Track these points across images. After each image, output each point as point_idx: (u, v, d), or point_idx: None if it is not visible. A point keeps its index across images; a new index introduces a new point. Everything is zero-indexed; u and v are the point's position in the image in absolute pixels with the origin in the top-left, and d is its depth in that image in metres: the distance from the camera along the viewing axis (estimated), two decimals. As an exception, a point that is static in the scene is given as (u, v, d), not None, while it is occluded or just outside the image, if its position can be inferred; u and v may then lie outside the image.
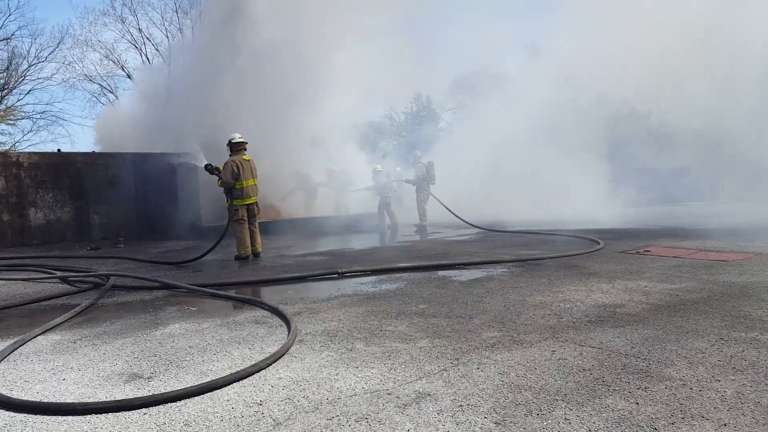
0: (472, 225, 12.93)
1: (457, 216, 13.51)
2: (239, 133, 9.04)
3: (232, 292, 5.93)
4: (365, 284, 6.16)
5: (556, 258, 7.60)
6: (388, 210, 14.62)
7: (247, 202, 8.78)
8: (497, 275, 6.45)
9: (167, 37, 31.08)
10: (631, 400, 2.70)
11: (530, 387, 2.91)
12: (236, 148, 8.85)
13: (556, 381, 2.99)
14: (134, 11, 30.62)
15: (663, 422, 2.46)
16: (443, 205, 13.80)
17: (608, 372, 3.10)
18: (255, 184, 8.87)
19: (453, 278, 6.37)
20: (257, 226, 9.04)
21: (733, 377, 2.97)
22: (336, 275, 6.70)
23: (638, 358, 3.33)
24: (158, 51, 30.78)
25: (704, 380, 2.94)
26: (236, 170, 8.57)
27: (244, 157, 8.77)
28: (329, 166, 14.87)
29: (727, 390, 2.80)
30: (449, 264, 7.40)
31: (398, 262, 7.83)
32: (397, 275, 6.68)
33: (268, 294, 6.02)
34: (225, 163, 8.71)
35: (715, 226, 11.56)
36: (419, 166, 13.93)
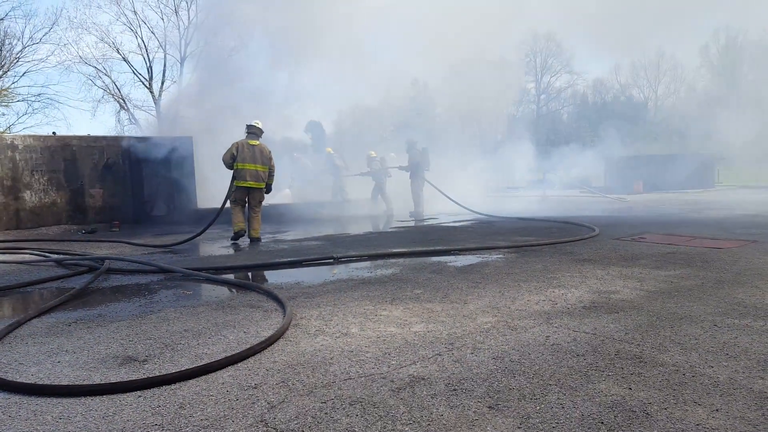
0: (469, 209, 12.94)
1: (453, 200, 13.52)
2: (258, 120, 9.25)
3: (228, 277, 5.93)
4: (361, 269, 6.16)
5: (551, 244, 7.62)
6: (384, 196, 14.61)
7: (243, 185, 8.84)
8: (492, 261, 6.46)
9: (162, 19, 30.71)
10: (624, 386, 2.72)
11: (524, 372, 2.93)
12: (246, 131, 9.08)
13: (549, 366, 3.00)
14: (129, -7, 30.11)
15: (656, 407, 2.48)
16: (439, 191, 13.80)
17: (602, 357, 3.12)
18: (256, 170, 8.87)
19: (448, 264, 6.37)
20: (258, 212, 9.07)
21: (726, 363, 2.99)
22: (331, 260, 6.70)
23: (632, 343, 3.35)
24: (153, 34, 30.44)
25: (697, 366, 2.96)
26: (234, 152, 8.79)
27: (251, 141, 8.91)
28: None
29: (720, 376, 2.82)
30: (444, 249, 7.40)
31: (393, 247, 7.83)
32: (393, 260, 6.69)
33: (264, 278, 6.02)
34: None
35: (709, 214, 11.61)
36: (413, 151, 13.88)
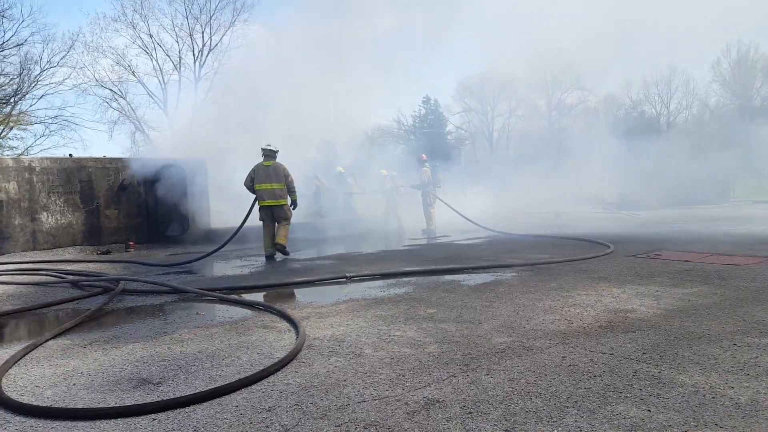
0: (481, 226, 12.87)
1: (465, 217, 13.48)
2: (270, 142, 9.58)
3: (241, 297, 5.94)
4: (373, 288, 6.14)
5: (565, 262, 7.55)
6: (396, 213, 14.63)
7: (263, 204, 9.31)
8: (506, 279, 6.41)
9: (177, 42, 31.28)
10: (643, 407, 2.67)
11: (540, 394, 2.89)
12: (261, 154, 9.47)
13: (566, 387, 2.96)
14: (145, 17, 30.76)
15: (676, 430, 2.43)
16: (451, 207, 13.79)
17: (619, 378, 3.07)
18: (272, 188, 9.26)
19: (461, 282, 6.34)
20: (283, 225, 9.41)
21: (747, 384, 2.93)
22: (344, 279, 6.69)
23: (650, 364, 3.30)
24: (168, 56, 30.99)
25: (717, 387, 2.90)
26: (252, 175, 9.32)
27: (265, 163, 9.34)
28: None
29: (741, 397, 2.76)
30: (457, 268, 7.37)
31: (406, 265, 7.81)
32: (405, 279, 6.66)
33: (277, 298, 6.03)
34: None
35: (726, 230, 11.46)
36: (424, 170, 13.92)
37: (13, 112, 27.99)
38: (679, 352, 3.50)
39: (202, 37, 31.45)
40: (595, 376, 3.11)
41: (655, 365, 3.27)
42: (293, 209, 9.60)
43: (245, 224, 9.60)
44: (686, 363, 3.29)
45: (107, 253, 11.45)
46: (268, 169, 9.28)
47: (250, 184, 9.30)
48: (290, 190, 9.41)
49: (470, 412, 2.68)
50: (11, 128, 28.48)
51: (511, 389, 2.96)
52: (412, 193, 14.36)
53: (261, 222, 9.42)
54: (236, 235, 9.58)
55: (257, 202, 9.35)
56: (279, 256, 9.40)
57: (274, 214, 9.36)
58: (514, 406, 2.74)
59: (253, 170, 9.32)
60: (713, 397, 2.77)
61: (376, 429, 2.54)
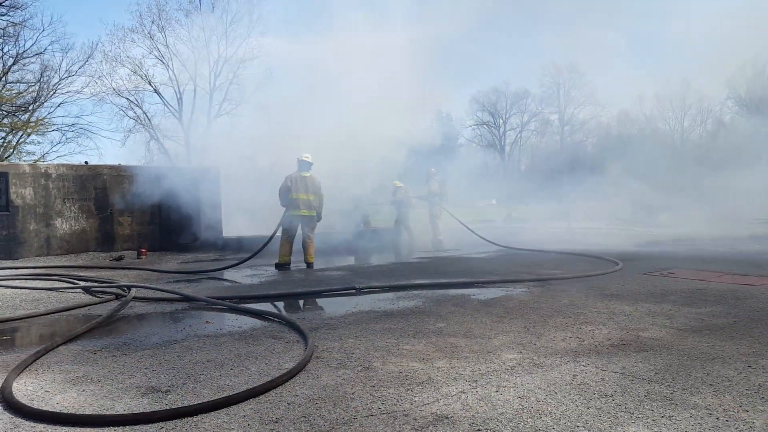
0: (490, 242, 12.83)
1: (473, 231, 13.45)
2: (308, 153, 9.69)
3: (250, 306, 5.95)
4: (383, 301, 6.13)
5: (576, 278, 7.49)
6: (406, 226, 14.62)
7: (297, 213, 9.39)
8: (517, 295, 6.37)
9: (193, 52, 31.63)
10: (655, 429, 2.63)
11: (551, 412, 2.85)
12: (298, 164, 9.59)
13: (577, 406, 2.92)
14: (162, 28, 31.15)
15: (688, 453, 2.38)
16: (459, 221, 13.78)
17: (631, 398, 3.03)
18: (308, 199, 9.42)
19: (471, 297, 6.30)
20: (312, 239, 9.55)
21: (762, 407, 2.88)
22: (354, 291, 6.69)
23: (662, 384, 3.25)
24: (185, 67, 31.33)
25: (731, 409, 2.85)
26: (288, 184, 9.40)
27: (303, 173, 9.48)
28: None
29: (755, 421, 2.71)
30: (468, 282, 7.33)
31: (416, 278, 7.79)
32: (415, 292, 6.64)
33: (286, 308, 6.03)
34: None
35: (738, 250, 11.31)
36: (432, 182, 14.00)
37: (32, 119, 28.42)
38: (692, 372, 3.45)
39: (218, 48, 31.81)
40: (606, 396, 3.07)
41: (667, 386, 3.22)
42: (317, 221, 9.76)
43: (253, 233, 9.66)
44: (699, 384, 3.24)
45: (120, 259, 11.54)
46: (306, 179, 9.42)
47: (287, 192, 9.34)
48: (320, 203, 9.59)
49: (479, 430, 2.65)
50: (29, 135, 28.90)
51: (520, 407, 2.93)
52: (420, 204, 14.41)
53: (285, 230, 9.46)
54: (265, 246, 9.65)
55: (290, 211, 9.37)
56: (291, 266, 9.43)
57: (302, 224, 9.48)
58: (523, 424, 2.71)
59: (291, 179, 9.37)
60: (726, 420, 2.72)
61: (384, 444, 2.52)
